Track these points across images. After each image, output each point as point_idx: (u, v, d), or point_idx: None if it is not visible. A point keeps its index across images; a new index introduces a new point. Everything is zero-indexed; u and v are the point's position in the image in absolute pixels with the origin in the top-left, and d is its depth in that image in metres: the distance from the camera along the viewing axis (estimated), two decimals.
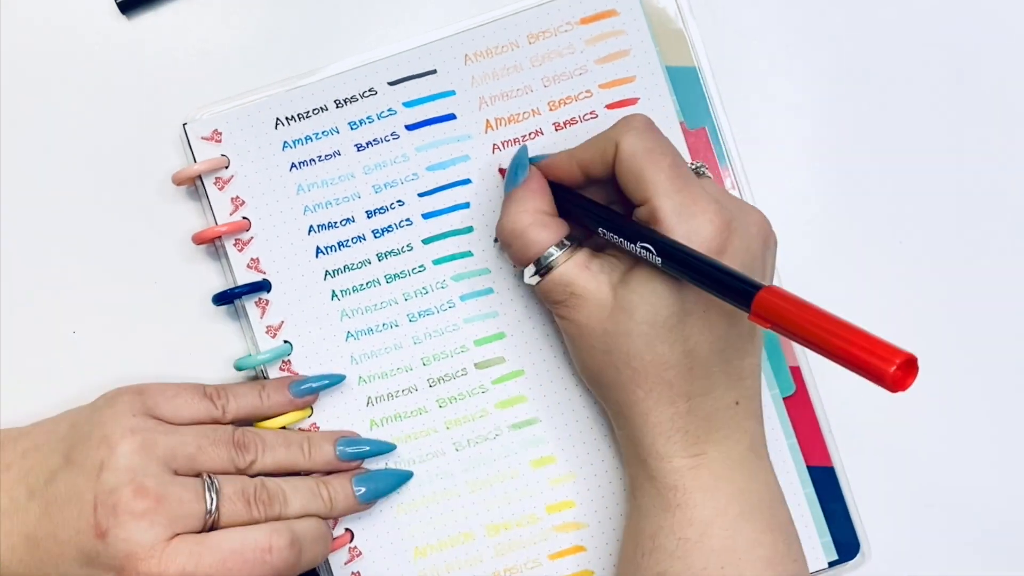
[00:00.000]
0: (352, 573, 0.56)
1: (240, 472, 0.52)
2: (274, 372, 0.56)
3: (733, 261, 0.48)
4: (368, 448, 0.55)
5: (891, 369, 0.39)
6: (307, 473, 0.55)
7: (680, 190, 0.48)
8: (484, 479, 0.57)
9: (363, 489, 0.54)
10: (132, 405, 0.51)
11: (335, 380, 0.56)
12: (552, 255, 0.51)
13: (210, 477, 0.50)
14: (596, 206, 0.52)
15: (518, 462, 0.57)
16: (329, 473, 0.55)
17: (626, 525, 0.53)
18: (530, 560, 0.56)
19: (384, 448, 0.56)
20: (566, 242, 0.51)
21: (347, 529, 0.56)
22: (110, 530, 0.47)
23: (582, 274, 0.50)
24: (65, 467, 0.50)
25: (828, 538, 0.57)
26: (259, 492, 0.51)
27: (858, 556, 0.57)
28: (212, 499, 0.49)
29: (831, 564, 0.57)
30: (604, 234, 0.50)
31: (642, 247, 0.48)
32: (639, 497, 0.51)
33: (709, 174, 0.53)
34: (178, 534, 0.48)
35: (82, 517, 0.48)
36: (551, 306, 0.52)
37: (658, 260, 0.47)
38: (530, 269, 0.51)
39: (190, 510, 0.49)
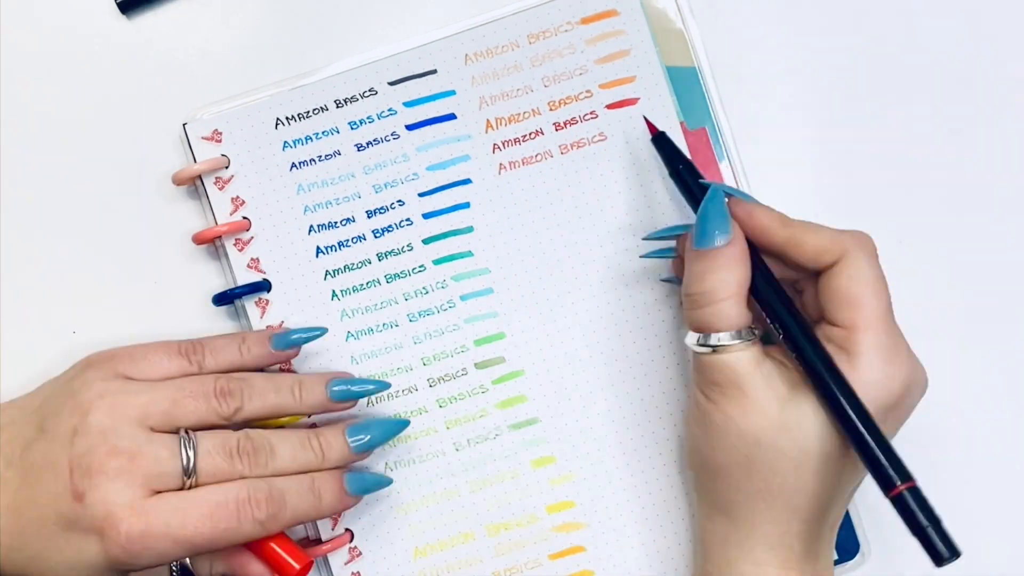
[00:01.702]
0: (352, 573, 0.56)
1: (226, 421, 0.51)
2: (273, 371, 0.56)
3: (900, 414, 0.48)
4: (367, 387, 0.54)
5: None
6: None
7: (890, 333, 0.48)
8: (484, 479, 0.57)
9: (362, 437, 0.53)
10: (102, 370, 0.50)
11: (317, 333, 0.54)
12: (732, 339, 0.48)
13: (187, 433, 0.49)
14: (798, 316, 0.49)
15: (518, 462, 0.57)
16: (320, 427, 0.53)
17: None
18: (530, 560, 0.56)
19: (379, 387, 0.54)
20: (751, 331, 0.48)
21: (347, 529, 0.56)
22: (86, 492, 0.47)
23: (754, 372, 0.48)
24: (39, 437, 0.49)
25: None
26: (243, 444, 0.50)
27: (858, 556, 0.57)
28: (189, 457, 0.48)
29: None
30: (785, 344, 0.49)
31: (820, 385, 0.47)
32: None
33: None
34: (158, 492, 0.48)
35: (59, 482, 0.48)
36: (707, 384, 0.49)
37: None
38: (696, 336, 0.49)
39: (167, 467, 0.48)
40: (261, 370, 0.54)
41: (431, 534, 0.56)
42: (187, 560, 0.51)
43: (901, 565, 0.58)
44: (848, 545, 0.57)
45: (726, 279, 0.48)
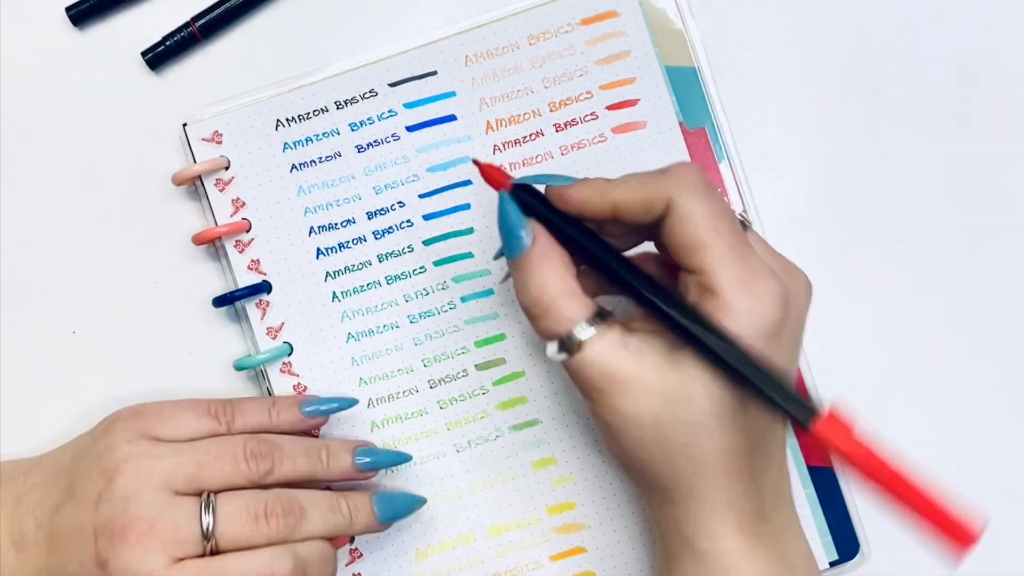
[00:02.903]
0: (353, 574, 0.56)
1: (254, 483, 0.50)
2: (274, 372, 0.56)
3: (789, 335, 0.45)
4: (386, 458, 0.54)
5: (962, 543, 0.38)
6: (323, 485, 0.54)
7: (741, 260, 0.44)
8: (485, 480, 0.57)
9: (384, 511, 0.53)
10: (127, 431, 0.50)
11: (347, 404, 0.55)
12: (584, 332, 0.45)
13: (208, 496, 0.48)
14: (643, 276, 0.46)
15: (519, 463, 0.57)
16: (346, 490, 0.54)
17: None
18: (531, 561, 0.56)
19: (400, 459, 0.55)
20: (598, 317, 0.45)
21: None
22: (110, 560, 0.47)
23: (622, 356, 0.45)
24: (67, 500, 0.49)
25: (828, 538, 0.57)
26: (271, 506, 0.49)
27: (858, 556, 0.57)
28: (208, 522, 0.48)
29: (831, 564, 0.57)
30: (642, 308, 0.45)
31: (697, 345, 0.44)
32: (679, 572, 0.47)
33: (751, 225, 0.50)
34: (181, 559, 0.47)
35: (85, 549, 0.48)
36: (584, 390, 0.46)
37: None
38: (554, 345, 0.46)
39: (187, 534, 0.47)
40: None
41: (432, 535, 0.56)
42: None
43: (901, 565, 0.58)
44: (848, 545, 0.57)
45: (543, 281, 0.46)
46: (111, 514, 0.47)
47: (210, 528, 0.48)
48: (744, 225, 0.47)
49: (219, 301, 0.56)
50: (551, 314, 0.45)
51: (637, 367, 0.45)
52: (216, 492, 0.49)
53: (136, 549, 0.46)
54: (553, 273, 0.46)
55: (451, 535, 0.56)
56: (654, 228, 0.46)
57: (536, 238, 0.46)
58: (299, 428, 0.53)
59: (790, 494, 0.49)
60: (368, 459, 0.53)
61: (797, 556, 0.48)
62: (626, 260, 0.46)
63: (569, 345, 0.45)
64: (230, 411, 0.52)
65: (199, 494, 0.49)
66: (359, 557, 0.56)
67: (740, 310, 0.44)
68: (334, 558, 0.51)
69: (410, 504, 0.55)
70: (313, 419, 0.54)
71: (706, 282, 0.44)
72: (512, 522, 0.56)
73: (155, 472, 0.48)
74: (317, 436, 0.55)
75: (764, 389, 0.43)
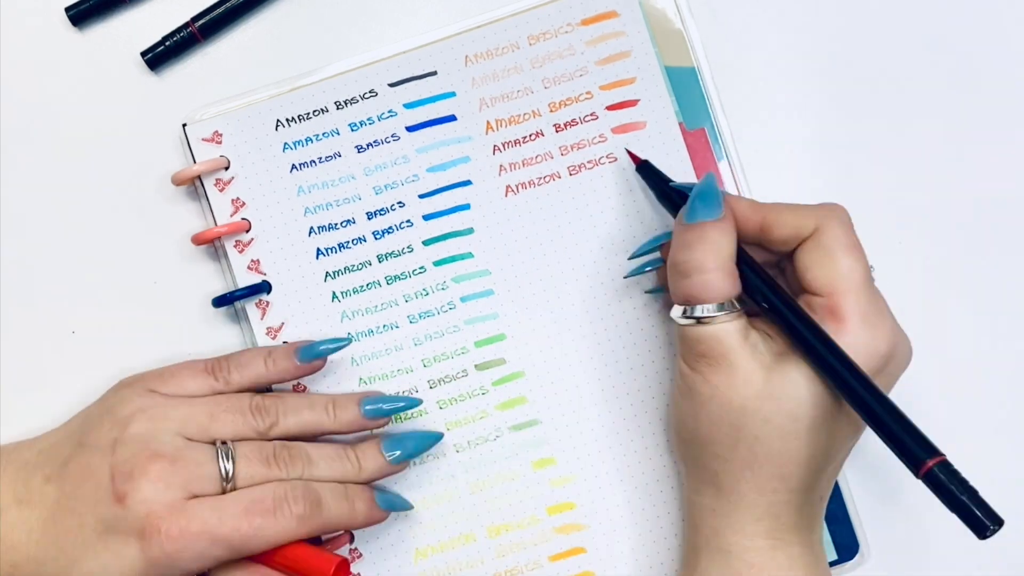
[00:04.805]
0: (353, 574, 0.56)
1: (260, 435, 0.52)
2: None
3: (885, 381, 0.48)
4: (397, 404, 0.54)
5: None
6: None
7: (871, 298, 0.48)
8: (485, 480, 0.57)
9: (396, 452, 0.53)
10: (135, 388, 0.52)
11: (341, 343, 0.55)
12: (718, 311, 0.48)
13: (224, 443, 0.50)
14: (781, 288, 0.49)
15: (519, 463, 0.57)
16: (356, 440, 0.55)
17: None
18: (531, 562, 0.56)
19: (410, 404, 0.55)
20: (736, 303, 0.48)
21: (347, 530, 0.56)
22: (128, 494, 0.48)
23: (740, 343, 0.48)
24: (79, 451, 0.50)
25: (828, 538, 0.57)
26: (279, 452, 0.51)
27: (858, 556, 0.57)
28: (227, 465, 0.49)
29: (831, 564, 0.57)
30: (771, 316, 0.49)
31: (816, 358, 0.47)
32: (704, 566, 0.50)
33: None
34: (196, 496, 0.49)
35: (100, 488, 0.48)
36: (693, 356, 0.49)
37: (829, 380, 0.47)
38: (682, 308, 0.49)
39: (206, 471, 0.49)
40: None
41: (431, 535, 0.56)
42: None
43: (901, 565, 0.58)
44: (848, 545, 0.57)
45: (714, 249, 0.48)
46: (129, 454, 0.49)
47: (230, 473, 0.49)
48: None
49: (219, 301, 0.56)
50: (703, 281, 0.48)
51: (748, 358, 0.48)
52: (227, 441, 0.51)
53: (157, 482, 0.48)
54: (725, 247, 0.49)
55: (451, 535, 0.56)
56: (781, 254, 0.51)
57: (726, 215, 0.49)
58: (297, 374, 0.54)
59: (822, 522, 0.52)
60: (375, 406, 0.54)
61: (817, 573, 0.50)
62: (762, 268, 0.50)
63: (696, 315, 0.48)
64: (226, 366, 0.53)
65: (211, 443, 0.50)
66: (359, 557, 0.56)
67: (859, 339, 0.47)
68: (348, 496, 0.52)
69: (422, 441, 0.55)
70: (309, 364, 0.54)
71: (834, 305, 0.48)
72: (512, 522, 0.56)
73: (170, 420, 0.50)
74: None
75: (884, 418, 0.45)
